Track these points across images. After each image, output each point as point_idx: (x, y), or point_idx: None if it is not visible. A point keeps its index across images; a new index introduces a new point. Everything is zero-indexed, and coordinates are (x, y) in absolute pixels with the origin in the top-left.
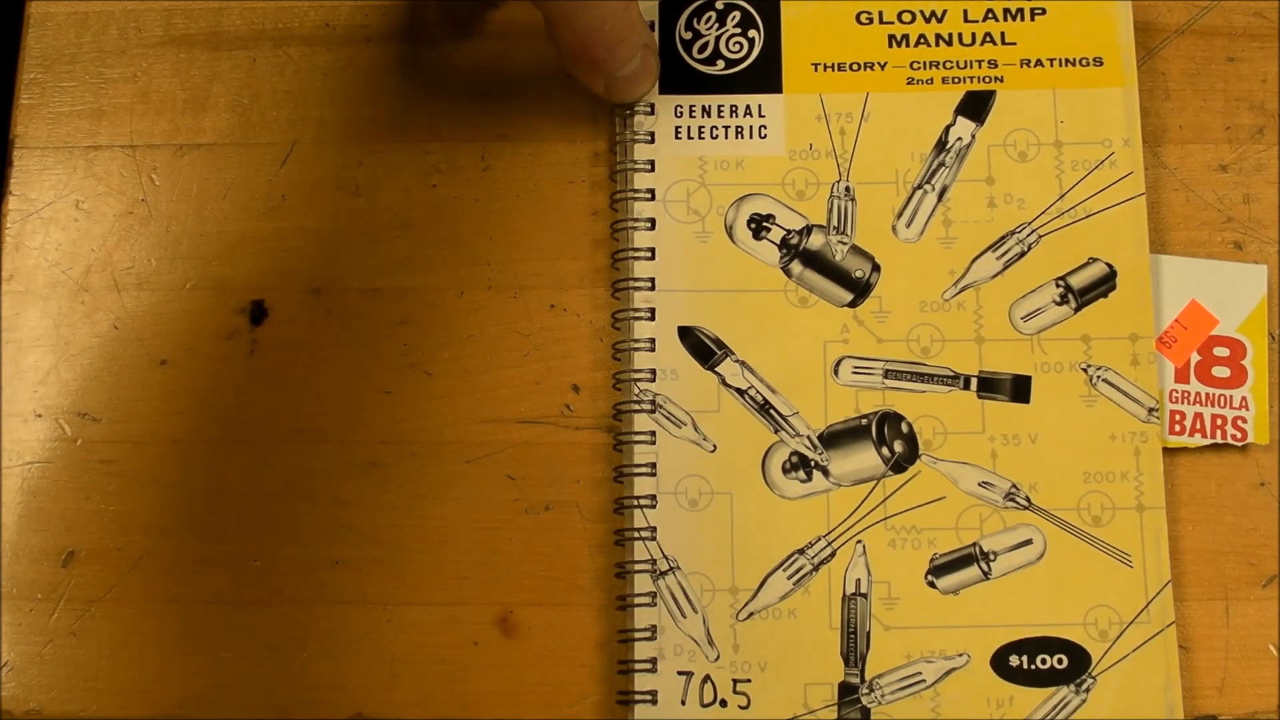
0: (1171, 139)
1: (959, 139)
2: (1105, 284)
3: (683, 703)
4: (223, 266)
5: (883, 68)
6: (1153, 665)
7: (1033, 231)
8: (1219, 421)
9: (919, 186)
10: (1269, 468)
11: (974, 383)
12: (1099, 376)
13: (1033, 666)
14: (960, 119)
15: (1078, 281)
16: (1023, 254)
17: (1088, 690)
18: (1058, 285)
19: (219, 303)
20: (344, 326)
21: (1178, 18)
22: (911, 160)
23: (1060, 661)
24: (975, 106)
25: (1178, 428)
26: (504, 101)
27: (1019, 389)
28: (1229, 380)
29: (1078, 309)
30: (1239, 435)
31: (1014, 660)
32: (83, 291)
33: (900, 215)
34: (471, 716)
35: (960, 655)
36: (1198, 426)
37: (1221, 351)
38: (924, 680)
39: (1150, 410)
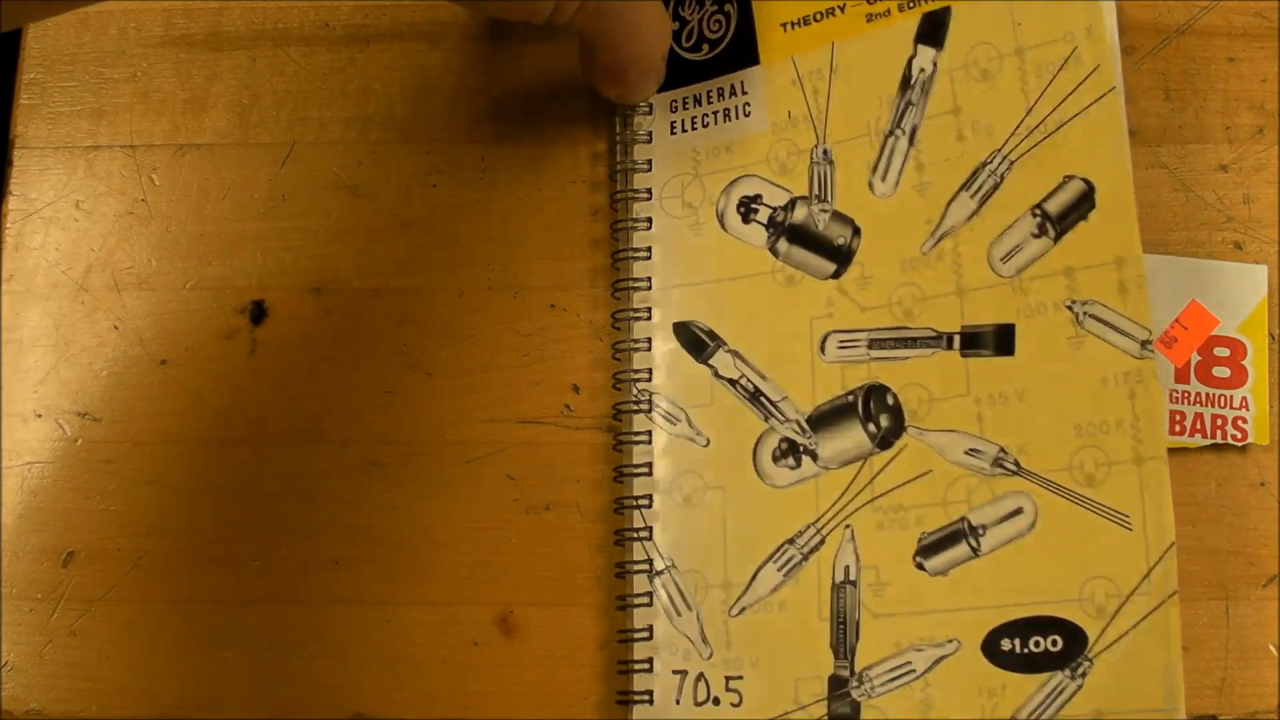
0: (1171, 139)
1: (921, 70)
2: (1084, 204)
3: (677, 702)
4: (223, 266)
5: (842, 10)
6: (1152, 644)
7: (1004, 159)
8: (1219, 422)
9: (890, 133)
10: (1269, 468)
11: (956, 340)
12: (1085, 313)
13: (1025, 650)
14: (920, 47)
15: (1054, 206)
16: (996, 186)
17: (1084, 675)
18: (1034, 215)
19: (219, 303)
20: (344, 326)
21: (1178, 18)
22: (881, 106)
23: (1054, 643)
24: (933, 29)
25: (1178, 428)
26: (504, 102)
27: (1002, 340)
28: (1229, 380)
29: (1058, 238)
30: (1239, 435)
31: (1005, 644)
32: (83, 291)
33: (875, 169)
34: (471, 716)
35: (950, 641)
36: (1198, 426)
37: (1222, 352)
38: (914, 670)
39: (1143, 344)
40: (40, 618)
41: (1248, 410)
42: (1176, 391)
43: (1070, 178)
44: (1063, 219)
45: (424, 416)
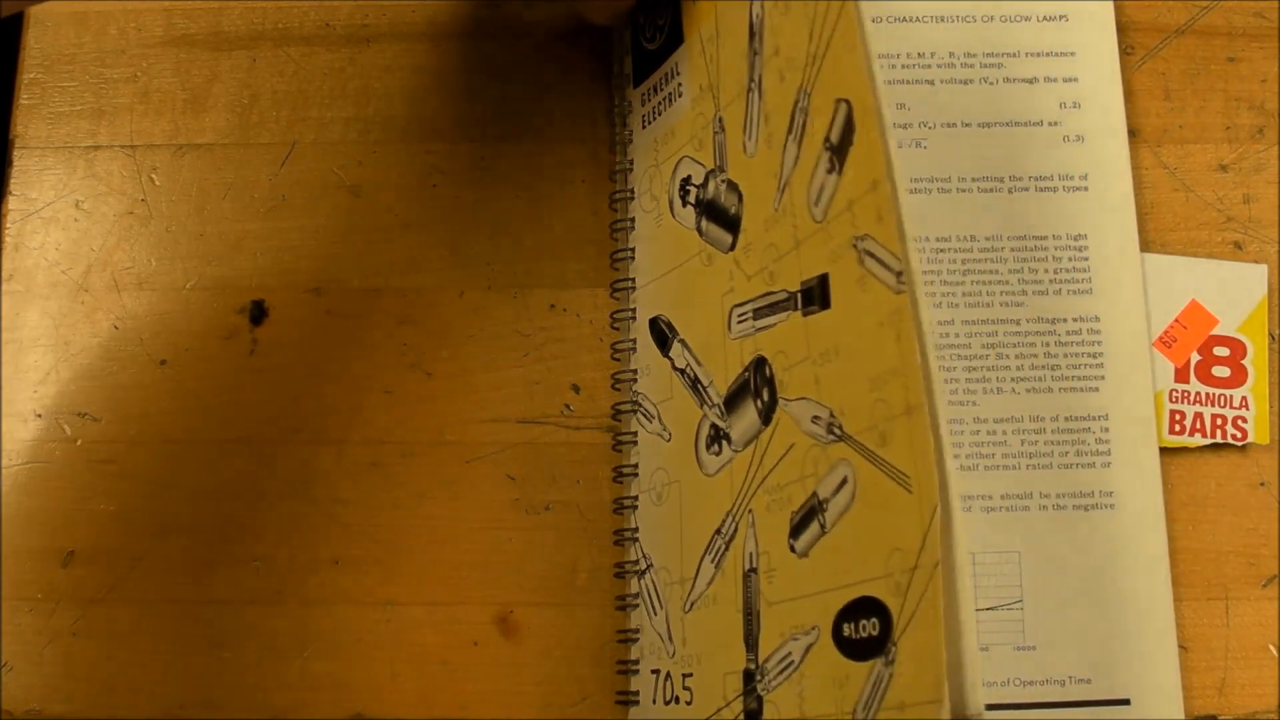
0: (1171, 139)
1: (757, 15)
2: (851, 127)
3: (654, 701)
4: (223, 266)
5: None
6: (924, 623)
7: (806, 95)
8: (1219, 421)
9: (748, 89)
10: (1269, 468)
11: (799, 299)
12: (864, 250)
13: (857, 635)
14: None
15: (835, 136)
16: (805, 125)
17: (894, 662)
18: (826, 148)
19: (219, 303)
20: (344, 326)
21: (1178, 18)
22: (744, 62)
23: (875, 626)
24: None
25: (1178, 427)
26: (504, 101)
27: (824, 293)
28: (1229, 380)
29: (841, 169)
30: (1239, 435)
31: (846, 629)
32: (83, 291)
33: (744, 128)
34: (471, 716)
35: (813, 629)
36: (1198, 426)
37: (1221, 351)
38: (794, 661)
39: (898, 275)
40: (40, 618)
41: (1248, 410)
42: (1176, 391)
43: (840, 101)
44: (841, 148)
45: (424, 416)
